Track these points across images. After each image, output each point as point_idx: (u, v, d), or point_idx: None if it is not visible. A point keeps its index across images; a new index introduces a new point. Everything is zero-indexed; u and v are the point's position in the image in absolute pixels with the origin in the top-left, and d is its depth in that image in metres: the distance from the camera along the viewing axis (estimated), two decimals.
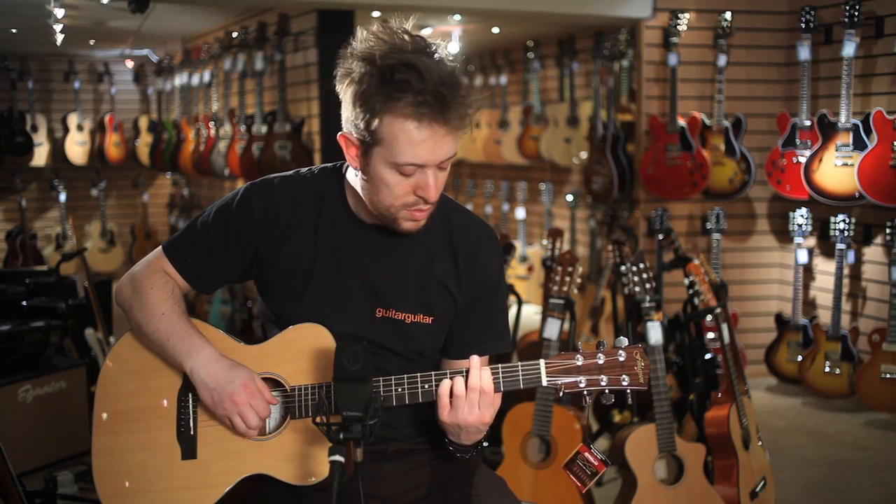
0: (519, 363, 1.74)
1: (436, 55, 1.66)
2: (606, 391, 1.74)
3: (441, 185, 1.74)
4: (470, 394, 1.70)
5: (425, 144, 1.65)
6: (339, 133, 1.75)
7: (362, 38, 1.68)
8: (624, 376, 1.74)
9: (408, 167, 1.68)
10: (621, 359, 1.74)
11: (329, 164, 1.92)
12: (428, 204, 1.73)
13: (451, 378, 1.72)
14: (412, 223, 1.76)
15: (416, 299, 1.85)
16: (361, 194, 1.79)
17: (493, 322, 1.93)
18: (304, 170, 1.92)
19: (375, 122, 1.65)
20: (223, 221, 1.86)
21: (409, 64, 1.62)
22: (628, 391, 1.74)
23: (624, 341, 1.75)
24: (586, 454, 1.83)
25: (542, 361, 1.74)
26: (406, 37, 1.67)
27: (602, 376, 1.74)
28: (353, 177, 1.82)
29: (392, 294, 1.84)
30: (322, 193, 1.87)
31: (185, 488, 1.80)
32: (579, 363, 1.74)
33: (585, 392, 1.74)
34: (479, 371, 1.71)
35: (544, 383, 1.73)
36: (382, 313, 1.84)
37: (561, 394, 1.75)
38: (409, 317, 1.84)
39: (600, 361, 1.74)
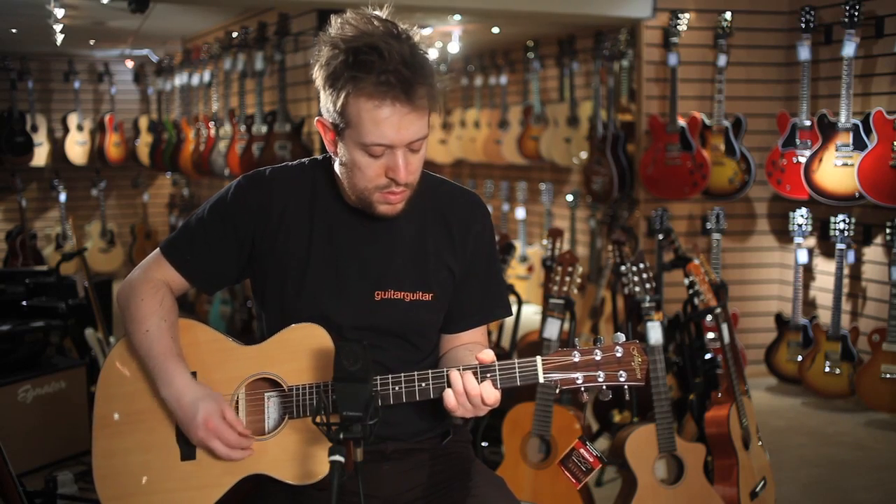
0: (516, 360, 1.73)
1: (403, 37, 1.69)
2: (604, 387, 1.74)
3: (414, 168, 1.75)
4: (472, 399, 1.71)
5: (389, 123, 1.67)
6: (317, 118, 1.79)
7: (335, 26, 1.72)
8: (621, 372, 1.73)
9: (375, 147, 1.70)
10: (618, 355, 1.74)
11: (318, 156, 1.95)
12: (400, 186, 1.74)
13: (449, 385, 1.72)
14: (388, 206, 1.77)
15: (414, 277, 1.86)
16: (342, 179, 1.81)
17: (493, 289, 1.96)
18: (293, 162, 1.95)
19: (341, 103, 1.68)
20: (219, 215, 1.87)
21: (373, 45, 1.65)
22: (626, 387, 1.74)
23: (621, 337, 1.75)
24: (581, 450, 1.83)
25: (538, 358, 1.73)
26: (376, 21, 1.70)
27: (599, 372, 1.73)
28: (333, 157, 1.85)
29: (389, 274, 1.85)
30: (313, 183, 1.89)
31: (185, 489, 1.79)
32: (576, 360, 1.73)
33: (583, 388, 1.74)
34: (477, 381, 1.72)
35: (541, 380, 1.73)
36: (381, 295, 1.85)
37: (558, 390, 1.75)
38: (408, 295, 1.85)
39: (597, 358, 1.74)
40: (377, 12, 1.73)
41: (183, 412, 1.75)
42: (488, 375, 1.72)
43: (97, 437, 1.84)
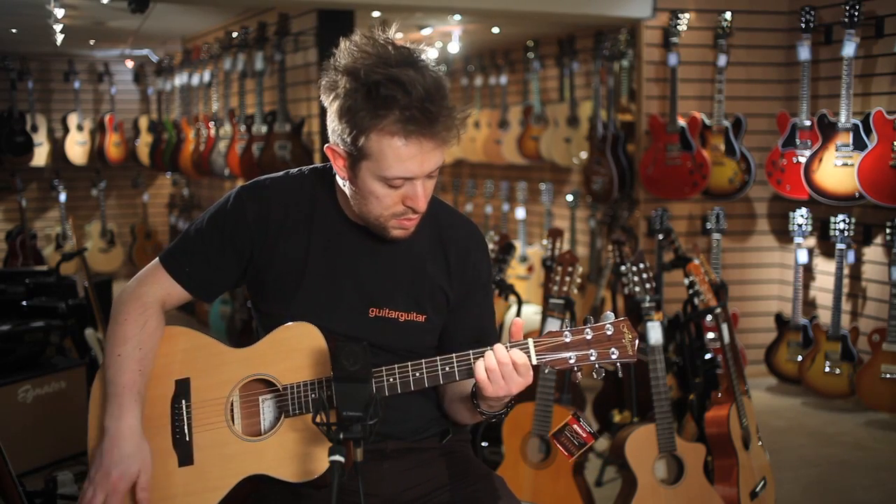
0: (508, 343, 1.74)
1: (420, 64, 1.66)
2: (597, 366, 1.74)
3: (429, 193, 1.76)
4: (502, 368, 1.70)
5: (414, 160, 1.67)
6: (326, 145, 1.76)
7: (346, 50, 1.68)
8: (613, 349, 1.73)
9: (396, 181, 1.69)
10: (609, 332, 1.74)
11: (319, 165, 1.94)
12: (417, 213, 1.75)
13: (475, 358, 1.73)
14: (402, 231, 1.78)
15: (409, 298, 1.86)
16: (350, 203, 1.81)
17: (486, 320, 1.96)
18: (293, 171, 1.93)
19: (362, 139, 1.66)
20: (217, 227, 1.87)
21: (395, 79, 1.62)
22: (618, 364, 1.74)
23: (611, 316, 1.75)
24: (574, 426, 1.82)
25: (530, 340, 1.74)
26: (390, 48, 1.67)
27: (591, 350, 1.73)
28: (342, 181, 1.83)
29: (385, 293, 1.85)
30: (313, 194, 1.88)
31: (185, 494, 1.79)
32: (567, 340, 1.74)
33: (576, 368, 1.74)
34: (502, 347, 1.72)
35: (534, 362, 1.73)
36: (376, 313, 1.85)
37: (547, 370, 1.75)
38: (402, 315, 1.85)
39: (588, 336, 1.74)
40: (387, 35, 1.70)
41: (109, 453, 1.75)
42: (479, 357, 1.73)
43: (93, 444, 1.84)
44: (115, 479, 1.74)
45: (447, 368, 1.75)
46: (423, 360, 1.75)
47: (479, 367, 1.71)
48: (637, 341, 1.75)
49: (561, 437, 1.83)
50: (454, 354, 1.75)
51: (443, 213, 1.94)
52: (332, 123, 1.72)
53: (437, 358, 1.75)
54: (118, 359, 1.80)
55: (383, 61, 1.64)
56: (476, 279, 1.92)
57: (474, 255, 1.92)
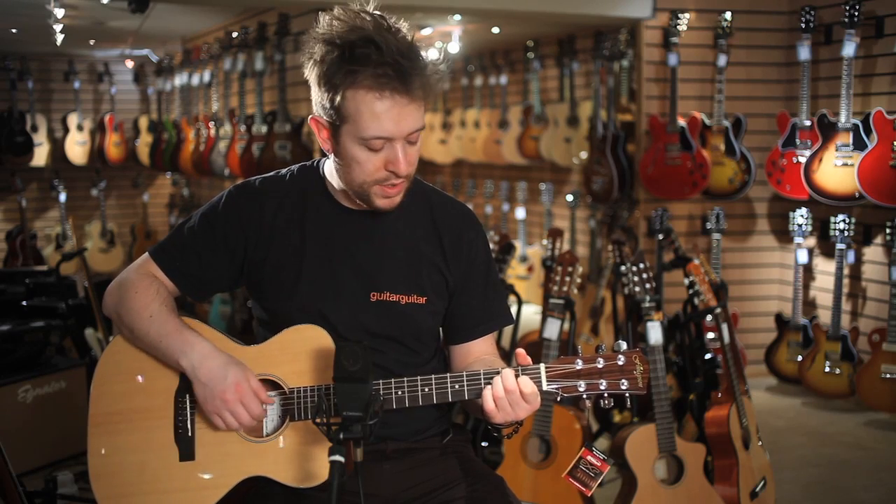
0: (520, 367, 1.73)
1: (394, 28, 1.70)
2: (605, 395, 1.74)
3: (412, 160, 1.76)
4: (509, 395, 1.71)
5: (389, 115, 1.68)
6: (310, 116, 1.79)
7: (324, 23, 1.72)
8: (623, 381, 1.74)
9: (375, 141, 1.70)
10: (620, 363, 1.74)
11: (306, 162, 1.96)
12: (399, 178, 1.75)
13: (485, 381, 1.73)
14: (386, 200, 1.78)
15: (408, 280, 1.87)
16: (337, 177, 1.82)
17: (491, 297, 1.96)
18: (283, 170, 1.95)
19: (339, 99, 1.68)
20: (210, 225, 1.88)
21: (368, 39, 1.66)
22: (627, 395, 1.74)
23: (623, 345, 1.75)
24: (589, 457, 1.82)
25: (542, 366, 1.74)
26: (366, 17, 1.71)
27: (601, 381, 1.74)
28: (330, 167, 1.86)
29: (384, 277, 1.86)
30: (304, 188, 1.89)
31: (183, 490, 1.79)
32: (579, 367, 1.74)
33: (585, 396, 1.74)
34: (511, 374, 1.71)
35: (545, 387, 1.73)
36: (377, 297, 1.85)
37: (559, 398, 1.75)
38: (403, 298, 1.86)
39: (599, 366, 1.74)
40: (365, 6, 1.74)
41: (210, 375, 1.73)
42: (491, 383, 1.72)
43: (93, 434, 1.83)
44: (235, 386, 1.72)
45: (456, 386, 1.75)
46: (432, 376, 1.75)
47: (488, 396, 1.71)
48: (648, 374, 1.75)
49: (576, 471, 1.81)
50: (464, 373, 1.75)
51: (435, 197, 1.95)
52: (315, 94, 1.75)
53: (447, 375, 1.75)
54: (152, 319, 1.79)
55: (359, 26, 1.68)
56: (472, 259, 1.92)
57: (467, 235, 1.93)
